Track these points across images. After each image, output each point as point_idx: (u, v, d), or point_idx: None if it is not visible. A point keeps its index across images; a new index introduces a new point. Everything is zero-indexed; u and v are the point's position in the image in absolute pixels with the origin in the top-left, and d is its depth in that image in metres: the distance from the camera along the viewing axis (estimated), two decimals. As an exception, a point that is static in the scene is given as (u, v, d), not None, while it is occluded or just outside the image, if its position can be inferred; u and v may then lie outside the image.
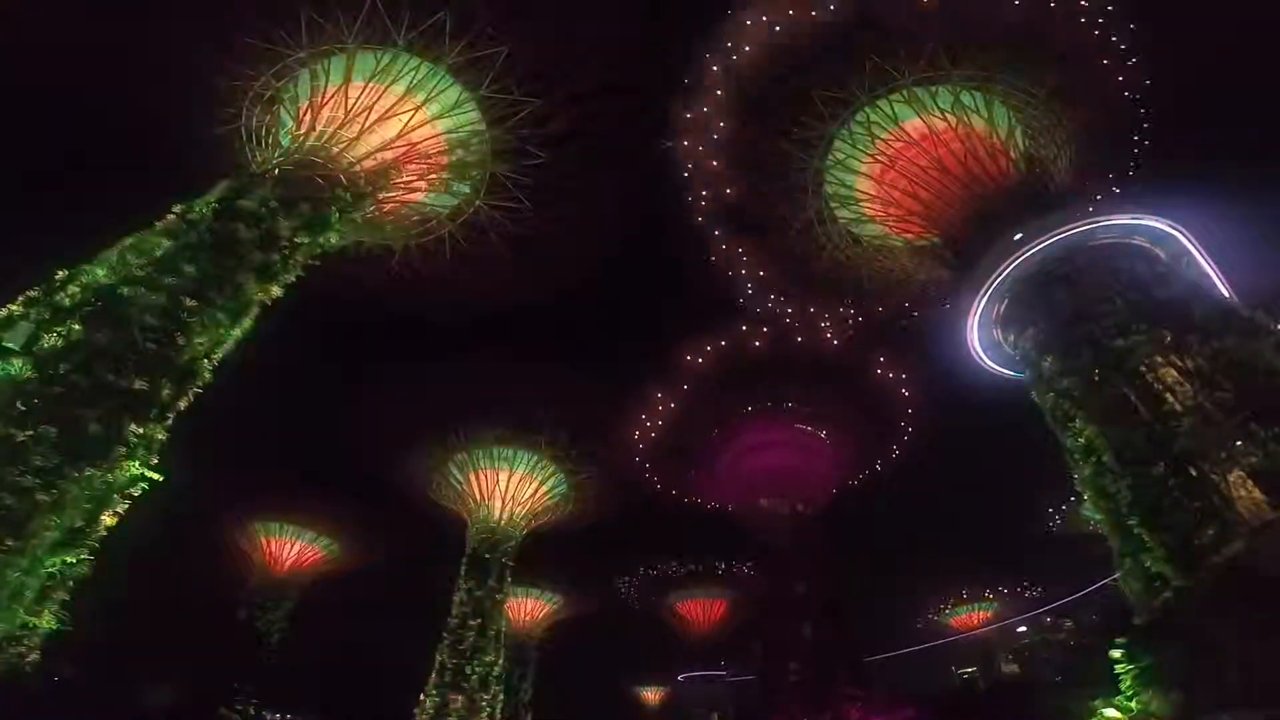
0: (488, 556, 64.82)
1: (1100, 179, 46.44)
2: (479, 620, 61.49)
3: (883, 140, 44.13)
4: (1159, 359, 30.63)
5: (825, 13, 42.65)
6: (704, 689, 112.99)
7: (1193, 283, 33.94)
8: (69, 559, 23.29)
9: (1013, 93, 42.21)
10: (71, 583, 23.84)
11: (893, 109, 43.64)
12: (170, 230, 29.26)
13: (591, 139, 44.01)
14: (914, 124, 43.44)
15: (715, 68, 45.66)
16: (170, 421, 27.05)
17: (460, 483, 67.19)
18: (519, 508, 67.48)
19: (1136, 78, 44.89)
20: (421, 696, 58.58)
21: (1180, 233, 34.63)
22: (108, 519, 24.57)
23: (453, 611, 62.22)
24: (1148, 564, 28.61)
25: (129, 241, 28.25)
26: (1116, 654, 27.11)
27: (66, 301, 25.41)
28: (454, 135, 42.14)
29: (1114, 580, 32.97)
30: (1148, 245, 34.97)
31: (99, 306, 25.55)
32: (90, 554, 24.06)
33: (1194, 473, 27.77)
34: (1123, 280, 33.46)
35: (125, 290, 26.26)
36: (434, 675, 59.16)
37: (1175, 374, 30.02)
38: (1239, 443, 27.12)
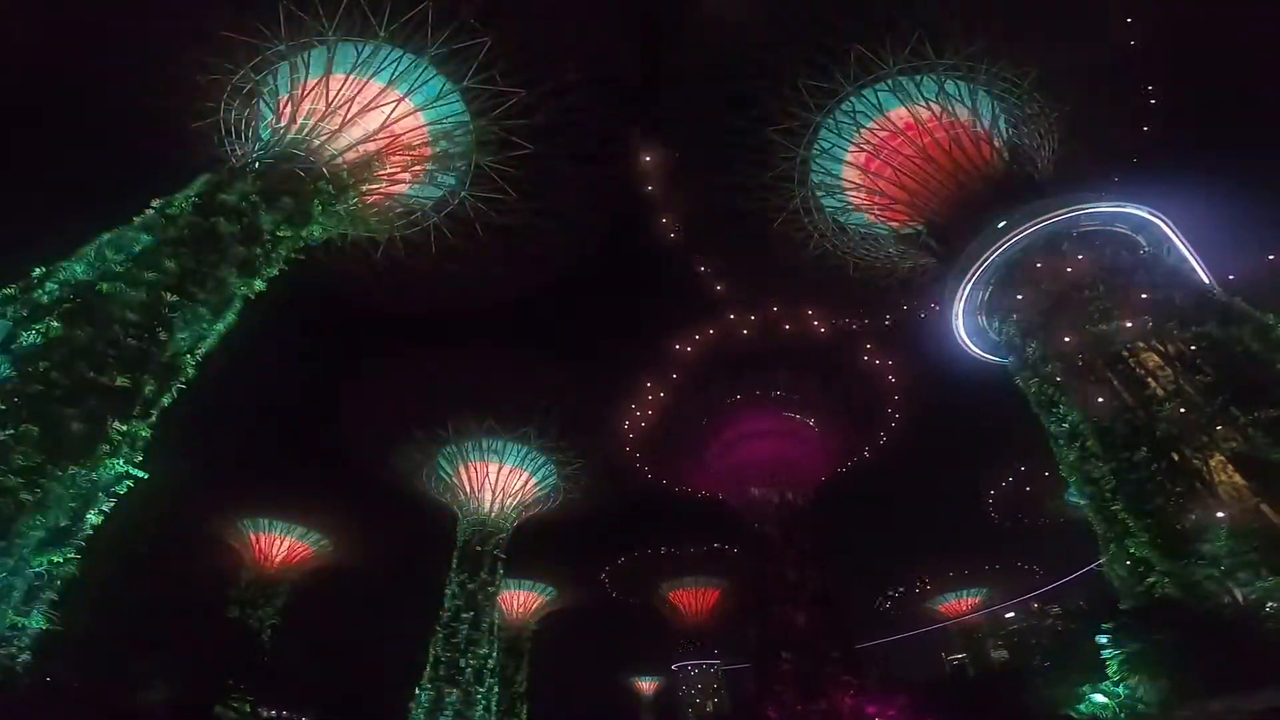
0: (479, 549, 64.86)
1: (1083, 167, 46.58)
2: (472, 613, 61.58)
3: (868, 129, 44.21)
4: (1141, 344, 30.96)
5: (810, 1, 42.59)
6: (698, 678, 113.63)
7: (1173, 269, 34.26)
8: (55, 558, 23.19)
9: (996, 81, 42.26)
10: (59, 582, 23.75)
11: (878, 98, 43.66)
12: (149, 225, 29.02)
13: (577, 129, 43.75)
14: (899, 113, 43.54)
15: (702, 56, 45.45)
16: (154, 418, 26.88)
17: (450, 476, 67.15)
18: (510, 500, 67.49)
19: (1120, 65, 45.06)
20: (416, 690, 58.68)
21: (1161, 220, 34.93)
22: (93, 517, 24.47)
23: (445, 605, 62.30)
24: (1132, 549, 28.98)
25: (107, 237, 28.02)
26: (1103, 639, 27.34)
27: (44, 299, 25.21)
28: (437, 127, 41.82)
29: (1100, 565, 33.38)
30: (1129, 232, 35.27)
31: (78, 303, 25.35)
32: (77, 553, 23.94)
33: (1176, 457, 28.13)
34: (1105, 266, 33.78)
35: (105, 286, 26.05)
36: (428, 669, 59.26)
37: (1157, 359, 30.34)
38: (1219, 427, 27.46)
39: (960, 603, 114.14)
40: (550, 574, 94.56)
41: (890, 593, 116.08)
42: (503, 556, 66.72)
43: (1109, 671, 26.87)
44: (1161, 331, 30.73)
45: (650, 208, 50.99)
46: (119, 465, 24.48)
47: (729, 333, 60.71)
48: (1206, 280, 34.69)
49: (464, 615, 61.29)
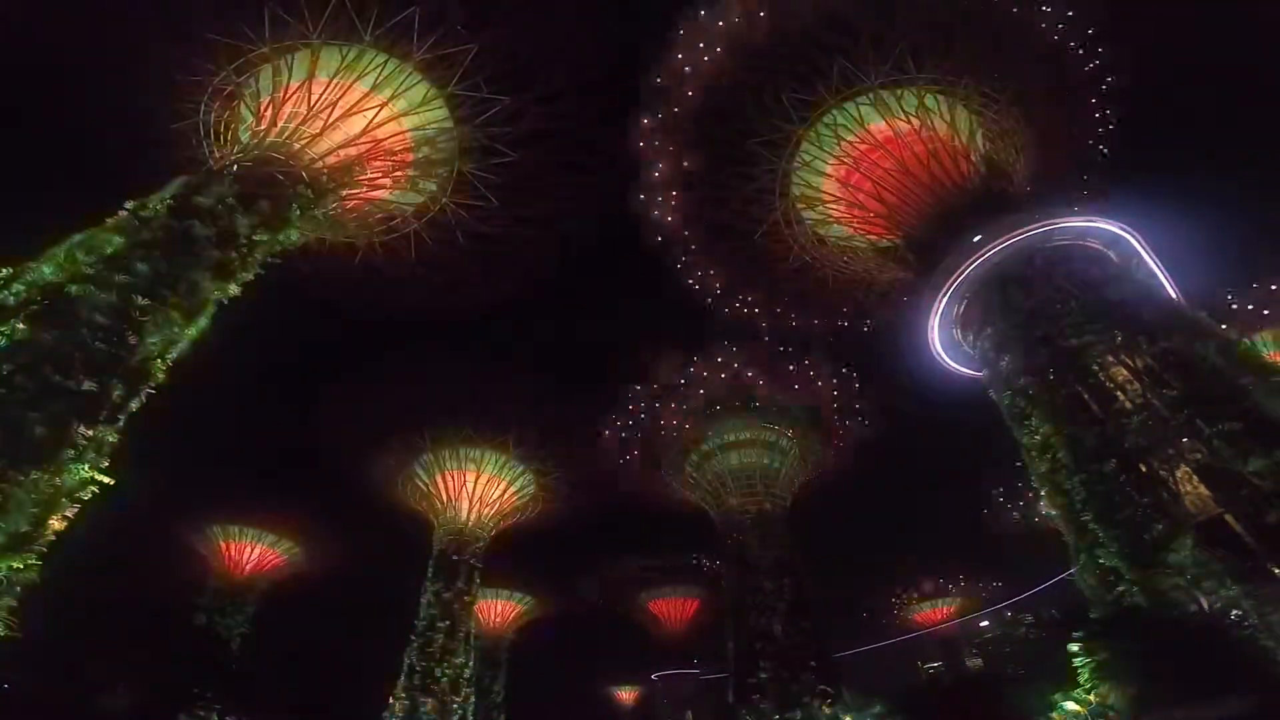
0: (455, 558, 64.26)
1: (1057, 181, 47.57)
2: (448, 622, 60.92)
3: (848, 142, 44.68)
4: (1110, 358, 31.66)
5: (793, 15, 43.11)
6: (677, 687, 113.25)
7: (1143, 284, 35.04)
8: (15, 564, 22.53)
9: (975, 96, 43.01)
10: (19, 588, 23.09)
11: (859, 111, 44.18)
12: (122, 227, 28.46)
13: (560, 138, 43.81)
14: (879, 127, 44.03)
15: (685, 68, 45.80)
16: (122, 423, 26.29)
17: (427, 484, 66.51)
18: (487, 509, 66.96)
19: (1093, 83, 46.21)
20: (391, 700, 57.84)
21: (1131, 235, 35.75)
22: (55, 523, 23.83)
23: (420, 614, 61.59)
24: (1102, 559, 29.43)
25: (78, 238, 27.43)
26: (1074, 647, 27.71)
27: (10, 300, 24.58)
28: (420, 132, 41.67)
29: (1071, 575, 33.85)
30: (1100, 247, 36.07)
31: (45, 305, 24.78)
32: (38, 559, 23.29)
33: (1144, 469, 28.81)
34: (1077, 282, 34.46)
35: (74, 289, 25.48)
36: (403, 678, 58.48)
37: (1126, 373, 31.02)
38: (1185, 439, 28.11)
39: (936, 611, 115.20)
40: (528, 583, 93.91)
41: (866, 602, 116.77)
42: (479, 565, 66.12)
43: (1080, 679, 27.24)
44: (1130, 346, 31.42)
45: (632, 217, 51.10)
46: (84, 470, 23.88)
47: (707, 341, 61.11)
48: (1174, 295, 35.55)
49: (440, 624, 60.62)
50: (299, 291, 47.06)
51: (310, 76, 38.49)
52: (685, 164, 48.17)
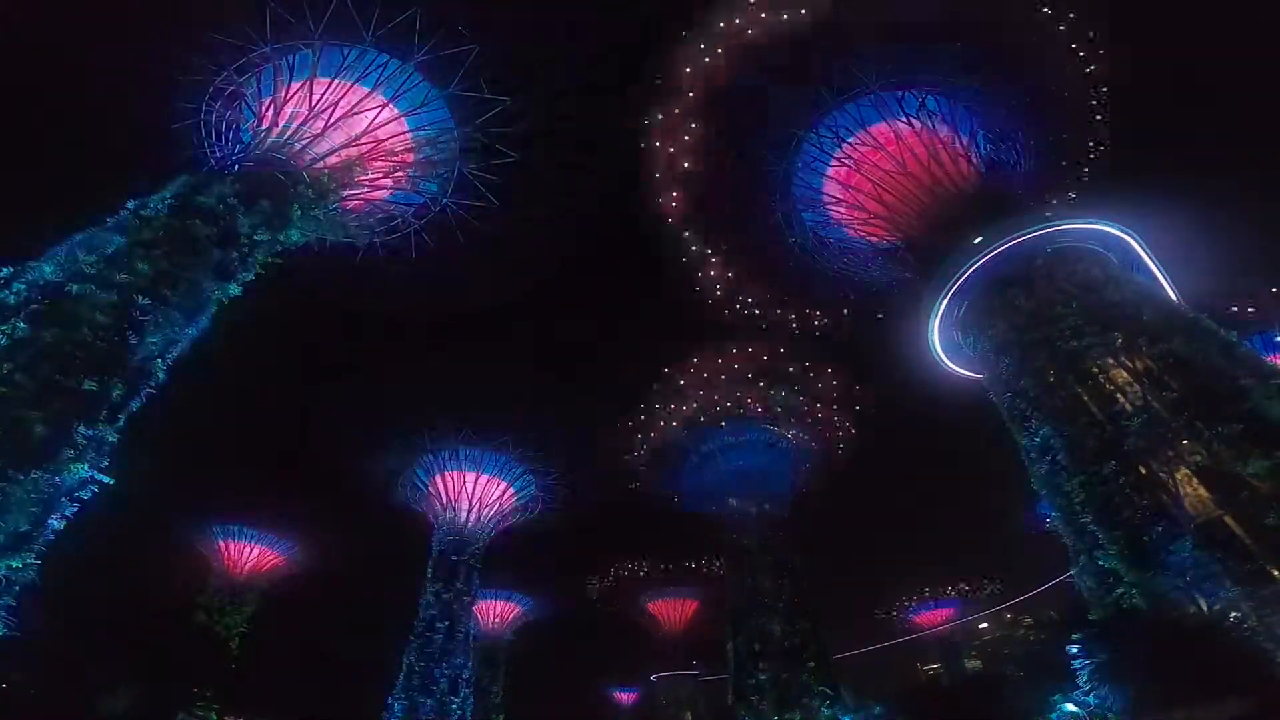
0: (455, 559, 64.25)
1: (1058, 183, 47.54)
2: (447, 623, 60.91)
3: (849, 143, 44.66)
4: (1110, 360, 31.61)
5: (797, 17, 43.14)
6: (676, 689, 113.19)
7: (1143, 286, 35.05)
8: (14, 564, 22.57)
9: (977, 98, 42.96)
10: (18, 587, 23.13)
11: (860, 112, 44.17)
12: (123, 226, 28.57)
13: (562, 138, 43.80)
14: (880, 128, 44.05)
15: (687, 69, 45.86)
16: (121, 422, 26.35)
17: (426, 485, 66.55)
18: (487, 509, 66.96)
19: (1093, 84, 46.18)
20: (389, 700, 57.81)
21: (1132, 237, 35.75)
22: (55, 522, 23.88)
23: (420, 615, 61.60)
24: (1101, 561, 29.40)
25: (79, 238, 27.57)
26: (1074, 649, 27.69)
27: (11, 299, 24.68)
28: (421, 133, 41.67)
29: (1071, 576, 33.83)
30: (1101, 250, 36.04)
31: (46, 304, 24.86)
32: (37, 558, 23.35)
33: (1143, 471, 28.69)
34: (1077, 283, 34.43)
35: (74, 288, 25.58)
36: (402, 679, 58.45)
37: (1126, 375, 30.98)
38: (1185, 441, 28.08)
39: (935, 613, 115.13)
40: (528, 583, 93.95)
41: (866, 603, 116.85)
42: (479, 566, 66.12)
43: (1080, 681, 27.22)
44: (1131, 347, 31.40)
45: (635, 217, 51.18)
46: (83, 470, 23.92)
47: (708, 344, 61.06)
48: (1174, 297, 35.55)
49: (439, 625, 60.61)
50: (300, 291, 47.03)
51: (312, 76, 38.48)
52: (687, 164, 48.17)
